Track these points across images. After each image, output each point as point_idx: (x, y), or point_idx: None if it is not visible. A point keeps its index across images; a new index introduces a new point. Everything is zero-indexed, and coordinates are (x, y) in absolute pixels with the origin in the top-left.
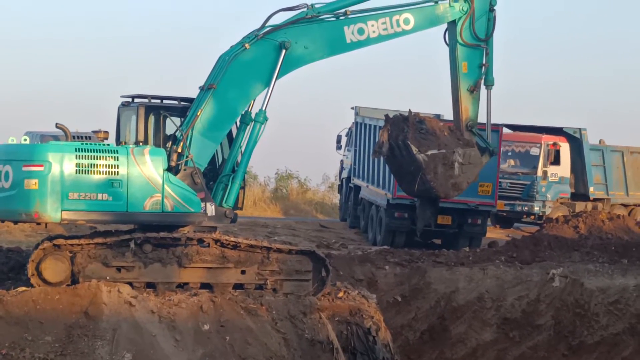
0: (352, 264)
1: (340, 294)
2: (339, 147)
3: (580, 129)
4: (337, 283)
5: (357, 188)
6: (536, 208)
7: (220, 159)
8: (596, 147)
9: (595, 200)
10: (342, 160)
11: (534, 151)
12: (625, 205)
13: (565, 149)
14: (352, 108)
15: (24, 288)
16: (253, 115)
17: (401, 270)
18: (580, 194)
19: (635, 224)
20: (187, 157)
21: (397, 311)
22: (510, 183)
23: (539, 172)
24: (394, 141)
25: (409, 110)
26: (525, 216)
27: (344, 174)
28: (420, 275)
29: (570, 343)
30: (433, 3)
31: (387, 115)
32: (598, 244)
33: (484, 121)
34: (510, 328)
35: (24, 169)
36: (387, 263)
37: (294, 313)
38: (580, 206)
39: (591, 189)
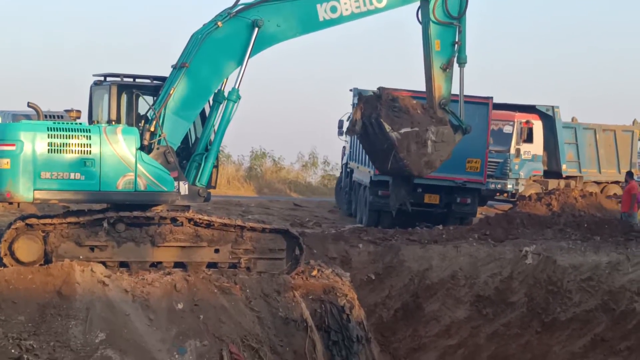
0: (325, 243)
1: (314, 273)
2: (340, 133)
3: (553, 107)
4: (311, 261)
5: (352, 172)
6: (509, 186)
7: (194, 138)
8: (569, 124)
9: (567, 177)
10: (344, 147)
11: (507, 129)
12: (597, 183)
13: (538, 126)
14: (351, 90)
15: None
16: (226, 94)
17: (375, 248)
18: (553, 172)
19: (606, 198)
20: (160, 136)
21: (371, 289)
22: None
23: (512, 150)
24: (367, 119)
25: (382, 87)
26: (498, 194)
27: (345, 160)
28: (393, 253)
29: (543, 320)
30: None
31: (360, 94)
32: (571, 221)
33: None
34: (483, 305)
35: None
36: (360, 241)
37: (267, 292)
38: (553, 184)
39: (564, 166)
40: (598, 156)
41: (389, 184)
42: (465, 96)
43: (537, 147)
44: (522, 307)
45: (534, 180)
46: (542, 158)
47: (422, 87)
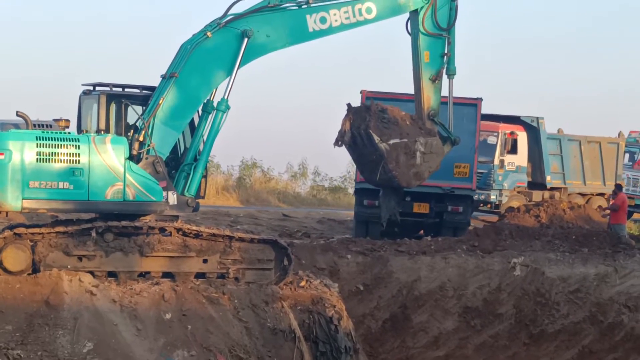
0: (314, 253)
1: (303, 283)
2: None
3: (537, 118)
4: (300, 272)
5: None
6: (493, 197)
7: (182, 148)
8: (553, 136)
9: (552, 189)
10: None
11: (491, 140)
12: (582, 195)
13: (522, 137)
14: (347, 104)
15: None
16: (215, 104)
17: (363, 259)
18: (537, 183)
19: (600, 209)
20: (148, 145)
21: (359, 300)
22: None
23: (496, 161)
24: (356, 130)
25: (371, 99)
26: (482, 205)
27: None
28: (382, 264)
29: (531, 331)
30: None
31: (349, 104)
32: (559, 233)
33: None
34: (471, 317)
35: None
36: (349, 252)
37: (256, 302)
38: (537, 195)
39: (548, 177)
40: (583, 168)
41: (379, 195)
42: (453, 97)
43: (521, 158)
44: (510, 319)
45: (518, 192)
46: (526, 169)
47: (403, 90)
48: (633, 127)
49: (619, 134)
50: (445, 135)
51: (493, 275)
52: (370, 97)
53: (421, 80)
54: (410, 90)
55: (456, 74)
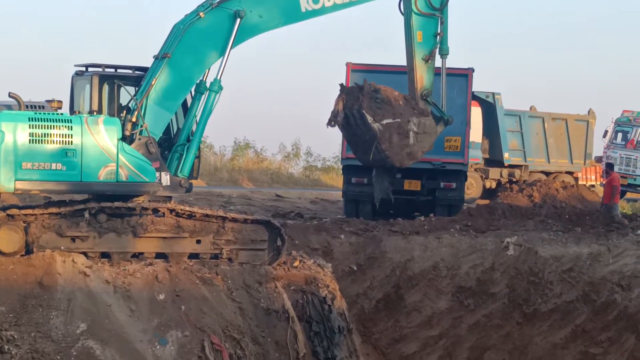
0: (307, 233)
1: (296, 263)
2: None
3: (493, 94)
4: (293, 252)
5: None
6: None
7: (175, 129)
8: (512, 112)
9: (511, 166)
10: None
11: None
12: (546, 173)
13: (476, 113)
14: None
15: None
16: (208, 85)
17: (356, 239)
18: (495, 160)
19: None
20: (141, 126)
21: (353, 280)
22: None
23: None
24: (349, 110)
25: (364, 79)
26: None
27: None
28: (375, 244)
29: (524, 311)
30: None
31: (342, 85)
32: (552, 213)
33: None
34: (465, 296)
35: None
36: (342, 232)
37: (249, 282)
38: (494, 172)
39: (506, 154)
40: (547, 145)
41: (372, 175)
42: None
43: (475, 134)
44: (504, 298)
45: (475, 169)
46: (480, 145)
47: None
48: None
49: (588, 112)
50: (438, 115)
51: (486, 254)
52: (355, 70)
53: (414, 60)
54: (397, 62)
55: (449, 53)
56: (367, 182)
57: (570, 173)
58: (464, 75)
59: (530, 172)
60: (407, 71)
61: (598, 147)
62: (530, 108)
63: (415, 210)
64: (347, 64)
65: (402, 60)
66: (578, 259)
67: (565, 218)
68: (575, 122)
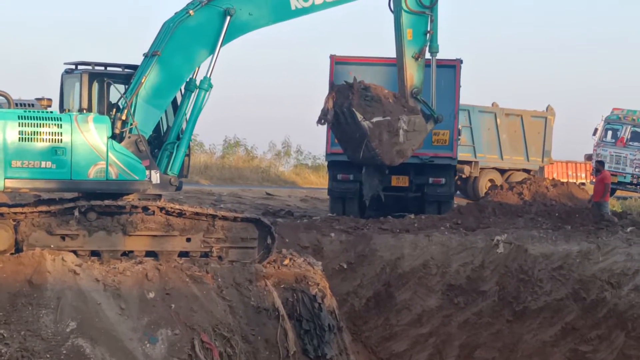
0: (297, 231)
1: (286, 262)
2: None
3: None
4: (283, 250)
5: None
6: None
7: (165, 127)
8: (461, 107)
9: (460, 162)
10: None
11: None
12: (500, 170)
13: None
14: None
15: None
16: (198, 83)
17: (347, 237)
18: None
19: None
20: (131, 124)
21: (343, 278)
22: None
23: None
24: (339, 108)
25: (354, 77)
26: None
27: None
28: (365, 243)
29: (514, 309)
30: None
31: (332, 82)
32: (542, 211)
33: None
34: (455, 294)
35: None
36: (332, 230)
37: (239, 280)
38: None
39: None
40: (499, 141)
41: (362, 173)
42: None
43: None
44: (494, 296)
45: None
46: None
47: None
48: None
49: (547, 108)
50: (428, 113)
51: (476, 252)
52: (339, 62)
53: (404, 57)
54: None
55: (439, 51)
56: (353, 178)
57: (527, 171)
58: (452, 66)
59: (480, 168)
60: (396, 68)
61: (563, 144)
62: (492, 104)
63: (404, 207)
64: (331, 57)
65: (386, 54)
66: (568, 257)
67: (555, 216)
68: (532, 118)
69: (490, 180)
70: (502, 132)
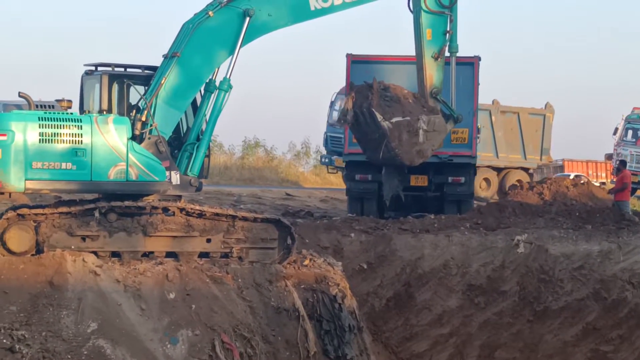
0: (317, 232)
1: (306, 262)
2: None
3: None
4: (303, 251)
5: None
6: None
7: (185, 128)
8: None
9: None
10: None
11: None
12: (496, 169)
13: None
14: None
15: None
16: (217, 84)
17: (367, 237)
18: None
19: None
20: (151, 125)
21: (363, 278)
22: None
23: None
24: (359, 109)
25: (374, 77)
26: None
27: None
28: (385, 243)
29: (535, 309)
30: None
31: (351, 83)
32: (562, 210)
33: None
34: (475, 294)
35: None
36: (352, 230)
37: (259, 281)
38: None
39: None
40: (495, 139)
41: (382, 173)
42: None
43: None
44: (514, 296)
45: None
46: None
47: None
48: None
49: (545, 105)
50: (447, 112)
51: (497, 252)
52: (355, 61)
53: (423, 58)
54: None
55: (458, 51)
56: (371, 178)
57: (526, 169)
58: (470, 63)
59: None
60: (415, 67)
61: (560, 141)
62: (493, 102)
63: (423, 207)
64: (347, 56)
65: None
66: (588, 257)
67: (576, 215)
68: (530, 116)
69: (485, 180)
70: (497, 129)
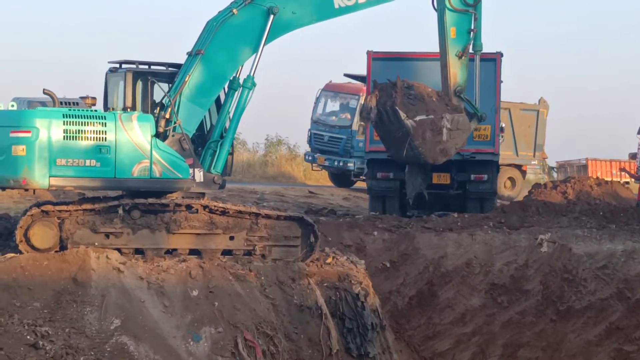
0: (340, 230)
1: (329, 260)
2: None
3: None
4: (326, 249)
5: None
6: (350, 164)
7: (209, 125)
8: None
9: None
10: None
11: (353, 103)
12: (518, 166)
13: None
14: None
15: (12, 254)
16: (241, 81)
17: (390, 235)
18: None
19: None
20: (175, 123)
21: (386, 277)
22: (330, 137)
23: (355, 126)
24: (382, 107)
25: (397, 76)
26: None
27: None
28: (408, 241)
29: (558, 308)
30: None
31: (375, 81)
32: (586, 209)
33: None
34: (498, 293)
35: (12, 135)
36: (375, 229)
37: (282, 279)
38: None
39: None
40: (514, 137)
41: (405, 172)
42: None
43: None
44: (537, 295)
45: None
46: None
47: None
48: None
49: (539, 101)
50: (471, 111)
51: (520, 251)
52: (376, 59)
53: (447, 56)
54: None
55: (482, 50)
56: (393, 176)
57: (518, 166)
58: (492, 59)
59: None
60: (439, 65)
61: (554, 137)
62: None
63: (445, 205)
64: (368, 53)
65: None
66: (612, 256)
67: (600, 215)
68: (522, 111)
69: (510, 179)
70: (516, 127)
